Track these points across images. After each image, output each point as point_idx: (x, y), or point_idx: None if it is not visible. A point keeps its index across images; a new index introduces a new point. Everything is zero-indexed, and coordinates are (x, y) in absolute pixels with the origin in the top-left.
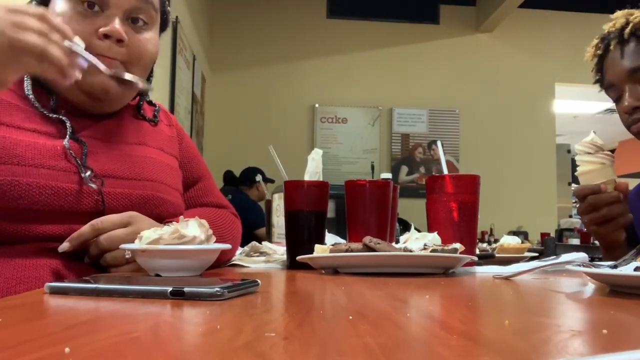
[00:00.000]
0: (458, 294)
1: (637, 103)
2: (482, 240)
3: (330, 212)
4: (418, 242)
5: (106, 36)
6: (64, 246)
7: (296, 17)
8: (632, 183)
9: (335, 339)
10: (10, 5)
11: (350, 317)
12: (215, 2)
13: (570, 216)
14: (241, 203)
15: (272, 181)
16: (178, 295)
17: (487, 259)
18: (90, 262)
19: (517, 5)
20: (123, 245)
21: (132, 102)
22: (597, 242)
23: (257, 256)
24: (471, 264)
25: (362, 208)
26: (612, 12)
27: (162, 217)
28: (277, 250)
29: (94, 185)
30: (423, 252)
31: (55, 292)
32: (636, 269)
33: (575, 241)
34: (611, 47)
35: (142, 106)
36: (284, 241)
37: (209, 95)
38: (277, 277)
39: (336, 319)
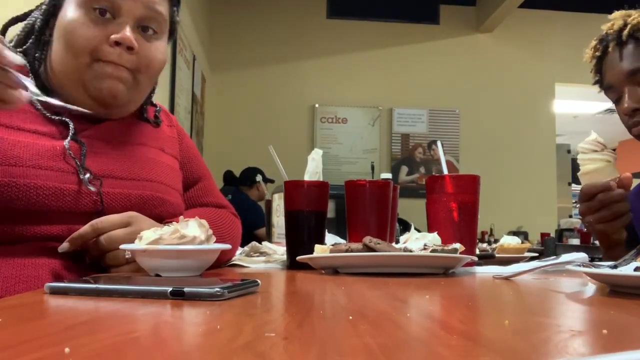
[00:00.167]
0: (458, 294)
1: (636, 105)
2: (482, 241)
3: (330, 212)
4: (418, 242)
5: (117, 43)
6: (64, 246)
7: (296, 17)
8: (632, 183)
9: (335, 339)
10: None
11: (350, 317)
12: (215, 2)
13: (570, 216)
14: (241, 203)
15: (272, 181)
16: (178, 296)
17: (487, 259)
18: (91, 262)
19: (517, 5)
20: (123, 246)
21: None
22: (597, 242)
23: (257, 256)
24: (471, 264)
25: (362, 208)
26: (612, 13)
27: (162, 218)
28: (277, 250)
29: (93, 188)
30: (423, 252)
31: (55, 292)
32: (636, 269)
33: (575, 241)
34: (609, 49)
35: (147, 109)
36: (284, 241)
37: (209, 95)
38: (277, 277)
39: (336, 319)
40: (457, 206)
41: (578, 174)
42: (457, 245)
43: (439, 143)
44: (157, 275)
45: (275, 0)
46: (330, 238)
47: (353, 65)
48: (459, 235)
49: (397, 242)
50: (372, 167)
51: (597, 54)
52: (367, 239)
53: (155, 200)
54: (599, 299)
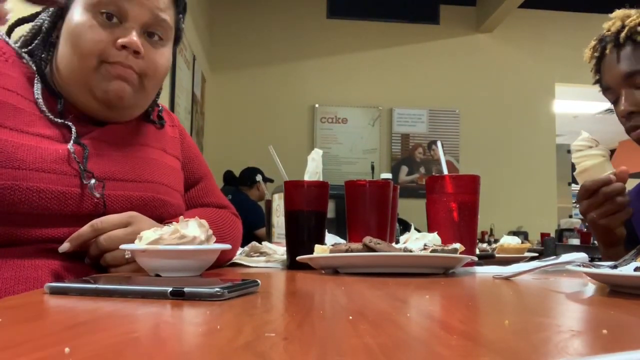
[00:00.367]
0: (458, 294)
1: (632, 108)
2: (482, 241)
3: (330, 212)
4: (418, 242)
5: (124, 47)
6: (64, 246)
7: (296, 18)
8: (632, 183)
9: (335, 339)
10: None
11: (350, 317)
12: (215, 2)
13: (570, 216)
14: (241, 203)
15: (272, 181)
16: (178, 296)
17: (487, 259)
18: (91, 263)
19: (517, 5)
20: (123, 246)
21: None
22: (597, 242)
23: (257, 256)
24: (471, 264)
25: (362, 208)
26: (612, 13)
27: (163, 219)
28: (277, 250)
29: (98, 194)
30: (423, 252)
31: (55, 292)
32: (636, 269)
33: (575, 241)
34: (607, 51)
35: (152, 111)
36: (284, 241)
37: (209, 95)
38: (277, 277)
39: (336, 319)
40: (457, 206)
41: (575, 172)
42: (457, 245)
43: (439, 143)
44: (157, 275)
45: (276, 0)
46: (330, 238)
47: (353, 65)
48: (459, 235)
49: (397, 242)
50: (372, 167)
51: (596, 54)
52: (367, 239)
53: (156, 201)
54: (599, 299)
